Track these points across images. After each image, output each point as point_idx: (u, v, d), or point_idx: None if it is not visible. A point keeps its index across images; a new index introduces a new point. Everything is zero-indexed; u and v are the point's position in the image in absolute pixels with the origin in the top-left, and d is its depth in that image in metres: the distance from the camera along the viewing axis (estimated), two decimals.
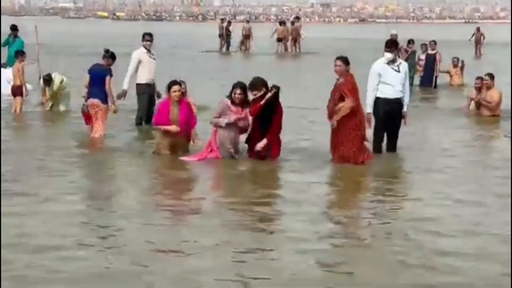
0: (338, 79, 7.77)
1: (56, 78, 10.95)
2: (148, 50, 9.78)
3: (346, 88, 7.49)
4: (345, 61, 7.67)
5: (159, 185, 6.94)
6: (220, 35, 27.87)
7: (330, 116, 7.78)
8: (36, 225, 5.31)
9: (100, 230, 5.24)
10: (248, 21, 31.89)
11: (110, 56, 9.07)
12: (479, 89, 11.40)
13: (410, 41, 15.77)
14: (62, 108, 10.92)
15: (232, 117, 7.56)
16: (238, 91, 7.56)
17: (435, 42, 16.01)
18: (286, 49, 27.67)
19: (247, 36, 27.81)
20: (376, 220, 5.72)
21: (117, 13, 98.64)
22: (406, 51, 15.01)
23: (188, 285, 4.26)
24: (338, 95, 7.55)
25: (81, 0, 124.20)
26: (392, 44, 8.52)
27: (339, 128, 7.53)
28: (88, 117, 9.02)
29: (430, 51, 15.52)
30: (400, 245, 5.01)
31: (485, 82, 11.26)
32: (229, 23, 29.21)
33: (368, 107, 8.13)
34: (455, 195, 6.45)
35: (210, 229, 5.32)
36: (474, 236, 5.27)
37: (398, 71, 8.07)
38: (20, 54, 11.32)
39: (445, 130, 10.18)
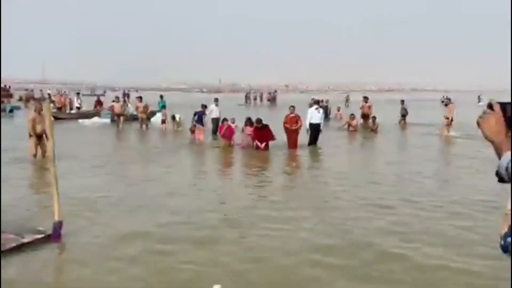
0: (289, 114, 11.14)
1: (177, 115, 14.90)
2: (216, 105, 13.86)
3: (298, 118, 10.94)
4: (293, 107, 11.12)
5: (222, 161, 9.92)
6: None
7: (289, 128, 11.30)
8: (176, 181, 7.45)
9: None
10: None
11: (204, 106, 13.12)
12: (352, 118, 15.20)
13: (327, 101, 20.37)
14: (179, 129, 14.85)
15: (245, 133, 10.89)
16: (248, 122, 11.07)
17: (327, 100, 19.62)
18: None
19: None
20: (307, 170, 8.28)
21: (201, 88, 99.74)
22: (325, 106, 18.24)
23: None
24: (295, 120, 10.83)
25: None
26: (316, 102, 12.53)
27: (292, 135, 10.83)
28: (193, 132, 12.80)
29: (324, 104, 18.64)
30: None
31: (352, 117, 15.24)
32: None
33: (307, 126, 11.30)
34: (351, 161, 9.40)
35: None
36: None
37: (319, 113, 11.65)
38: (163, 107, 16.47)
39: (336, 136, 13.86)
